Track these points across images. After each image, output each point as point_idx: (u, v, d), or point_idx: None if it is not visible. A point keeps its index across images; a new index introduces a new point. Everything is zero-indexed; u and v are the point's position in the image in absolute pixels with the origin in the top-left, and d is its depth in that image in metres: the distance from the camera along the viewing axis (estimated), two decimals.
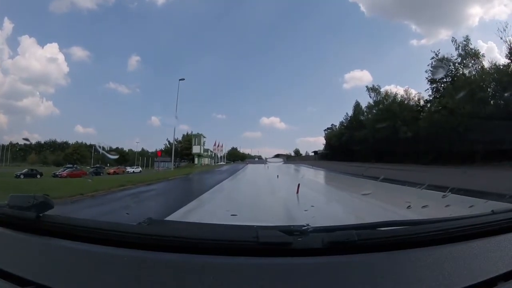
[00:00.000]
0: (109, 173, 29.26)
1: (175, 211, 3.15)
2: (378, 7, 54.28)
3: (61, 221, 1.02)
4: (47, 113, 47.00)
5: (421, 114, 33.07)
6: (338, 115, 58.33)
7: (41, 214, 0.99)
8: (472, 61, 29.60)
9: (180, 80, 31.14)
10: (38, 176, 24.73)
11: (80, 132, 57.39)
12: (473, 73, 29.03)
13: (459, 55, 30.79)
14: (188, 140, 42.80)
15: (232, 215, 2.33)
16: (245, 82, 58.14)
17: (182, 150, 42.40)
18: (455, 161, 22.46)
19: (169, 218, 2.34)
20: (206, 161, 43.70)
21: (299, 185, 4.21)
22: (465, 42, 30.82)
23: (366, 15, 52.19)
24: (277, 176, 8.80)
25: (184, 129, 45.47)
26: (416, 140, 28.03)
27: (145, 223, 1.00)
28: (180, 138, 44.26)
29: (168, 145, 42.45)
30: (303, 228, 0.88)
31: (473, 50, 30.08)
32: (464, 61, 30.28)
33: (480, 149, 22.31)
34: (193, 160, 41.67)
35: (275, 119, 61.02)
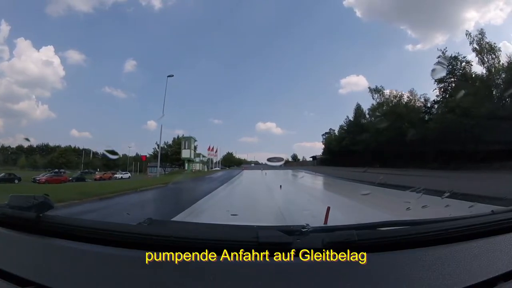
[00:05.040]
0: (95, 179, 28.09)
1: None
2: (373, 12, 54.54)
3: (61, 221, 1.03)
4: (43, 117, 46.68)
5: (428, 115, 31.47)
6: (335, 120, 59.00)
7: (41, 214, 1.00)
8: (490, 56, 27.27)
9: (168, 76, 29.55)
10: (16, 181, 22.96)
11: (76, 136, 57.71)
12: (491, 69, 26.80)
13: (474, 49, 28.38)
14: (178, 144, 39.33)
15: (232, 215, 2.31)
16: (241, 87, 58.40)
17: (172, 155, 39.27)
18: (468, 165, 20.36)
19: (172, 219, 2.31)
20: (197, 166, 40.30)
21: (329, 208, 3.99)
22: (480, 36, 28.21)
23: (362, 20, 52.22)
24: (280, 186, 8.40)
25: (179, 134, 42.47)
26: (423, 143, 26.02)
27: (145, 223, 1.00)
28: (171, 142, 41.08)
29: (157, 149, 38.43)
30: (303, 228, 0.88)
31: (488, 44, 27.57)
32: (479, 56, 27.85)
33: (496, 152, 19.77)
34: (184, 166, 38.31)
35: (271, 124, 60.93)
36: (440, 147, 24.04)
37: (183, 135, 40.29)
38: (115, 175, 32.57)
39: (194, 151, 39.74)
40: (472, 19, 47.80)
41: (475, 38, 28.50)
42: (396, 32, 55.02)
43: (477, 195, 5.37)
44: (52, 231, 0.98)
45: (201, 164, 41.90)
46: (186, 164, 38.28)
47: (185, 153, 38.01)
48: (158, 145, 38.34)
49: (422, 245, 0.86)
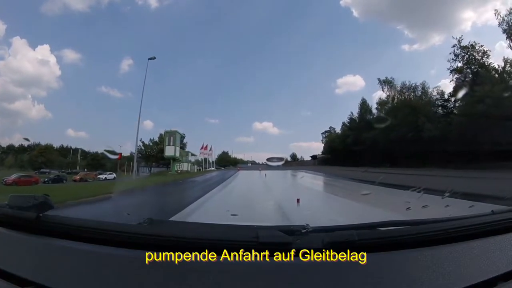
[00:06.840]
0: (75, 180, 26.79)
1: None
2: (370, 12, 54.31)
3: (61, 221, 1.02)
4: (39, 117, 46.19)
5: (443, 109, 28.89)
6: (332, 120, 59.25)
7: (41, 214, 0.99)
8: None
9: (149, 59, 26.96)
10: None
11: (72, 136, 57.02)
12: None
13: (504, 30, 25.63)
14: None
15: (232, 215, 2.31)
16: (238, 86, 58.43)
17: (158, 153, 34.91)
18: (503, 163, 17.29)
19: (171, 219, 2.30)
20: (185, 166, 34.42)
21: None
22: (511, 15, 25.17)
23: (358, 20, 52.20)
24: (298, 200, 6.33)
25: None
26: (443, 139, 23.05)
27: (145, 223, 1.00)
28: (157, 139, 36.39)
29: (142, 147, 35.11)
30: (303, 228, 0.88)
31: None
32: (510, 39, 25.16)
33: None
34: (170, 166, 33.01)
35: (267, 124, 61.12)
36: (466, 143, 20.63)
37: (170, 129, 34.25)
38: (99, 176, 30.59)
39: (182, 148, 34.66)
40: (469, 19, 47.85)
41: (505, 19, 25.36)
42: (393, 32, 55.21)
43: (478, 194, 5.36)
44: (52, 231, 0.98)
45: (190, 164, 36.34)
46: (172, 164, 32.70)
47: (169, 151, 31.83)
48: (143, 142, 34.43)
49: (422, 245, 0.86)
